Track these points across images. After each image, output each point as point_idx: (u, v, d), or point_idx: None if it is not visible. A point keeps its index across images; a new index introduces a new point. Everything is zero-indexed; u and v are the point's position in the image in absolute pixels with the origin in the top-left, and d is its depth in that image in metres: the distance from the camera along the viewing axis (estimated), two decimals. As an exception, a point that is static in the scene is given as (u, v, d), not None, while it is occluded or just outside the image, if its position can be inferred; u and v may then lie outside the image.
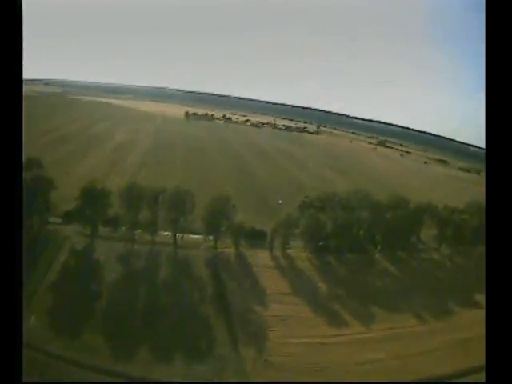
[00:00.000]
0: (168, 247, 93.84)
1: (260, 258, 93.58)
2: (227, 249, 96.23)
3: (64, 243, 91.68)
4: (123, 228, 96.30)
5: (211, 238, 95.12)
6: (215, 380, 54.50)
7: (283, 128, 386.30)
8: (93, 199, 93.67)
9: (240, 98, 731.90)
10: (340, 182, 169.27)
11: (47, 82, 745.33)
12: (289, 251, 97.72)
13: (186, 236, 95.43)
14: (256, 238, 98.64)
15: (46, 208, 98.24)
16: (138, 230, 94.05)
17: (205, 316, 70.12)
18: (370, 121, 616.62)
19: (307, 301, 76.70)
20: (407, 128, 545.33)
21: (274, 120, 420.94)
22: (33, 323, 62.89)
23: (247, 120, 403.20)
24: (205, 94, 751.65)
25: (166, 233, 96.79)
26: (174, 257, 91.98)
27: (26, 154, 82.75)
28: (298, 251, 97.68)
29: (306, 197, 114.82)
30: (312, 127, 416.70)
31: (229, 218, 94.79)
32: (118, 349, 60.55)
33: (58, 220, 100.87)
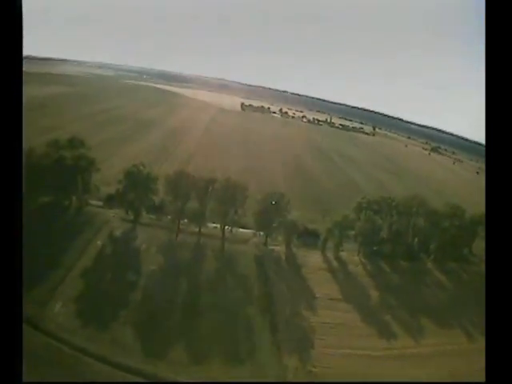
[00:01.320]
0: (215, 240, 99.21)
1: (311, 259, 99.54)
2: (277, 246, 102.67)
3: (103, 227, 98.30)
4: (169, 217, 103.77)
5: (262, 233, 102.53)
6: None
7: (340, 127, 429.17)
8: (138, 184, 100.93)
9: (297, 94, 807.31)
10: (395, 186, 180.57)
11: (99, 66, 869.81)
12: (341, 254, 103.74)
13: (235, 230, 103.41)
14: (308, 237, 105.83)
15: (87, 189, 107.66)
16: (185, 220, 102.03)
17: (248, 318, 73.07)
18: (424, 126, 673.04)
19: (357, 308, 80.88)
20: (461, 137, 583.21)
21: (331, 118, 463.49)
22: (58, 310, 67.33)
23: (304, 116, 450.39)
24: (262, 87, 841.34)
25: (214, 225, 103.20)
26: (221, 251, 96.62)
27: (70, 132, 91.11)
28: (351, 254, 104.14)
29: (362, 198, 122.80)
30: (368, 128, 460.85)
31: (282, 214, 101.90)
32: (150, 347, 62.73)
33: (99, 203, 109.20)
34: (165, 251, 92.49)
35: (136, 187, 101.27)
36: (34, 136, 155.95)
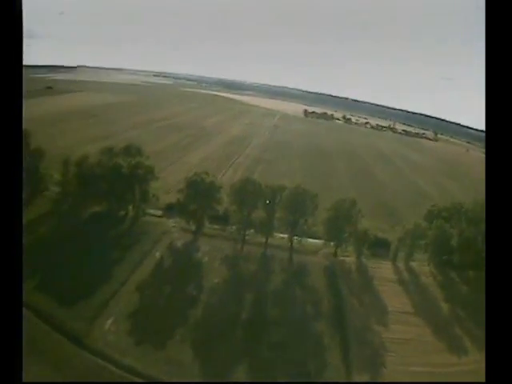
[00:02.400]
0: (282, 251, 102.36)
1: (382, 270, 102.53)
2: (348, 257, 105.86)
3: (162, 238, 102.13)
4: (233, 227, 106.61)
5: (332, 244, 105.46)
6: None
7: (403, 133, 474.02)
8: (200, 193, 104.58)
9: (358, 101, 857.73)
10: (461, 193, 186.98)
11: (156, 74, 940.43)
12: (411, 264, 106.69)
13: (304, 240, 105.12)
14: (378, 246, 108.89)
15: (145, 198, 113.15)
16: (251, 230, 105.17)
17: (316, 333, 74.95)
18: (483, 131, 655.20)
19: (429, 322, 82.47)
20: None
21: (394, 124, 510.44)
22: (108, 327, 69.61)
23: (367, 122, 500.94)
24: (323, 94, 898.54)
25: (282, 235, 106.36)
26: (289, 263, 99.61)
27: (128, 140, 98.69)
28: (421, 264, 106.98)
29: (433, 206, 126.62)
30: (430, 134, 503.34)
31: (353, 223, 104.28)
32: (210, 367, 64.02)
33: (158, 212, 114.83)
34: (229, 263, 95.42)
35: (199, 196, 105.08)
36: (88, 143, 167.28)
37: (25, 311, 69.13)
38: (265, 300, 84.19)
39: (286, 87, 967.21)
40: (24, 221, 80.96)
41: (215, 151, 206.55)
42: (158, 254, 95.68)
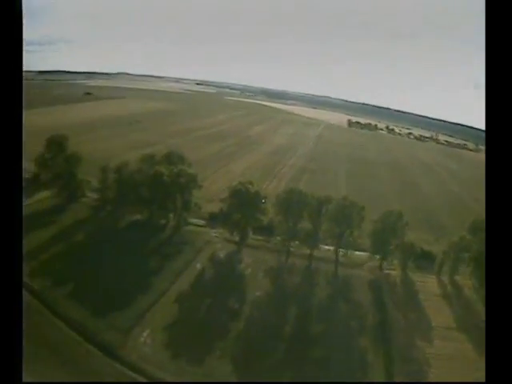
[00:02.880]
0: (327, 264, 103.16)
1: (427, 284, 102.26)
2: (393, 270, 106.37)
3: (204, 248, 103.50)
4: (278, 238, 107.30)
5: (377, 256, 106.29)
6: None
7: (445, 143, 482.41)
8: (245, 203, 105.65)
9: (400, 111, 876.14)
10: None
11: (199, 82, 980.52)
12: (456, 277, 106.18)
13: (349, 252, 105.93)
14: (423, 259, 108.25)
15: (187, 207, 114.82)
16: (296, 242, 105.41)
17: (361, 349, 75.07)
18: None
19: (472, 338, 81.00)
20: None
21: (436, 135, 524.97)
22: (144, 339, 70.05)
23: (410, 133, 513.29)
24: (366, 104, 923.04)
25: (327, 247, 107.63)
26: (334, 276, 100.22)
27: (170, 147, 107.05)
28: (464, 278, 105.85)
29: (476, 218, 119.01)
30: (471, 145, 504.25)
31: (399, 236, 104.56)
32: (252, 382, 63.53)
33: (200, 221, 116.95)
34: (272, 276, 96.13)
35: (243, 206, 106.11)
36: (129, 150, 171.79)
37: (56, 320, 71.39)
38: (308, 314, 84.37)
39: (328, 97, 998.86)
40: (60, 226, 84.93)
41: (259, 160, 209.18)
42: (199, 265, 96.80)
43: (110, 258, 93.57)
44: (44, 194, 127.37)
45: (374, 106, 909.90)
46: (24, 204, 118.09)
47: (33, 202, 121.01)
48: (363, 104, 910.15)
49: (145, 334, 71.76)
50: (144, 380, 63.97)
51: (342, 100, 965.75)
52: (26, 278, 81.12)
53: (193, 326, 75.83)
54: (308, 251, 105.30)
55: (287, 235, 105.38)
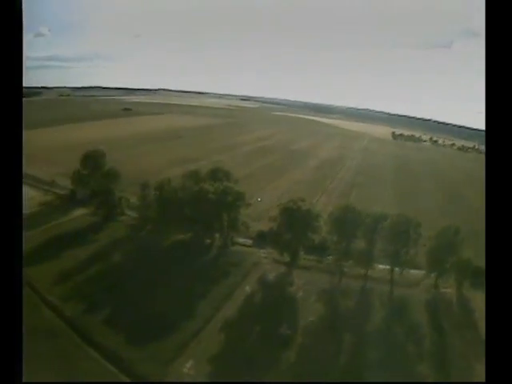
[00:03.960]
0: (382, 284, 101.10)
1: (480, 302, 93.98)
2: (449, 289, 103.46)
3: (252, 270, 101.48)
4: (330, 258, 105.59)
5: (432, 275, 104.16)
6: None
7: None
8: (296, 221, 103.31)
9: (442, 123, 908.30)
10: None
11: (243, 98, 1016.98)
12: None
13: (404, 271, 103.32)
14: (476, 277, 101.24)
15: (234, 226, 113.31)
16: (349, 262, 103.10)
17: (419, 377, 72.28)
18: None
19: None
20: None
21: (478, 146, 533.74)
22: (187, 371, 67.69)
23: (453, 144, 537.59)
24: (407, 116, 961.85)
25: (382, 266, 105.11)
26: (389, 297, 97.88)
27: (214, 163, 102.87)
28: None
29: None
30: None
31: (456, 252, 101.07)
32: None
33: (248, 241, 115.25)
34: (326, 299, 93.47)
35: (294, 225, 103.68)
36: (171, 166, 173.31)
37: (89, 349, 69.85)
38: (364, 340, 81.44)
39: (370, 110, 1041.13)
40: (97, 246, 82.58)
41: (307, 175, 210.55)
42: (247, 288, 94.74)
43: (150, 281, 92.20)
44: (80, 212, 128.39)
45: (416, 117, 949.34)
46: (59, 221, 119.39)
47: (68, 219, 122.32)
48: (403, 116, 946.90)
49: (188, 366, 69.12)
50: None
51: (384, 112, 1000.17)
52: (58, 302, 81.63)
53: (240, 356, 72.92)
54: (362, 271, 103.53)
55: (340, 255, 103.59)
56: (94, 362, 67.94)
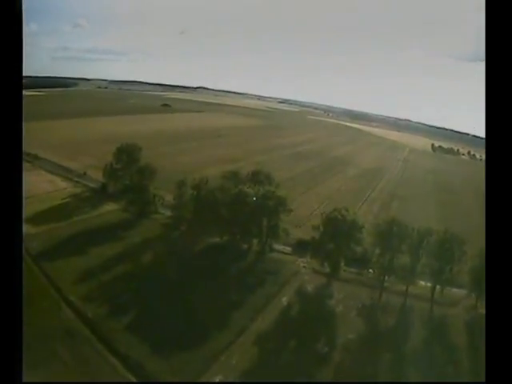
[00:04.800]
0: (422, 302, 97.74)
1: None
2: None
3: (290, 280, 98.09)
4: (370, 271, 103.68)
5: (473, 294, 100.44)
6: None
7: None
8: (339, 231, 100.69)
9: (478, 137, 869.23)
10: None
11: (281, 101, 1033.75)
12: None
13: (445, 289, 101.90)
14: None
15: (274, 233, 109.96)
16: (391, 277, 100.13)
17: None
18: None
19: None
20: None
21: None
22: None
23: None
24: (444, 128, 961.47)
25: (423, 283, 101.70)
26: (429, 315, 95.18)
27: (255, 165, 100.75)
28: None
29: None
30: None
31: None
32: None
33: (287, 249, 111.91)
34: (365, 315, 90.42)
35: (337, 235, 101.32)
36: (209, 166, 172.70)
37: (110, 357, 67.30)
38: (403, 360, 78.20)
39: (409, 120, 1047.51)
40: (126, 245, 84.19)
41: (347, 183, 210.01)
42: (284, 300, 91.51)
43: (181, 285, 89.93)
44: (111, 207, 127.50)
45: (453, 130, 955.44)
46: (87, 216, 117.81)
47: (98, 214, 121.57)
48: (440, 128, 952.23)
49: (216, 381, 66.52)
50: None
51: (423, 124, 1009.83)
52: (79, 302, 79.27)
53: (274, 372, 70.06)
54: (403, 287, 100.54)
55: (382, 268, 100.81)
56: (114, 372, 65.24)
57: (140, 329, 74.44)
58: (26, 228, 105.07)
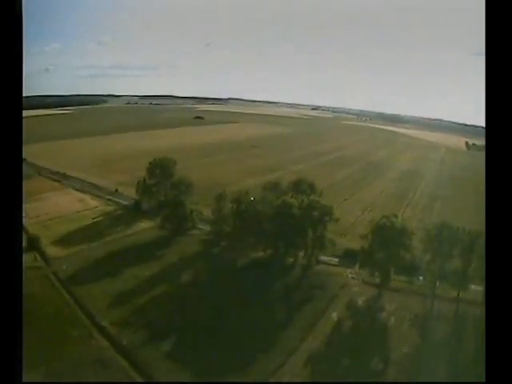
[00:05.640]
0: (474, 307, 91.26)
1: None
2: None
3: (339, 294, 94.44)
4: (420, 278, 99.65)
5: None
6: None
7: None
8: (389, 239, 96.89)
9: None
10: None
11: (314, 107, 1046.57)
12: None
13: None
14: None
15: (320, 244, 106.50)
16: (442, 283, 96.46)
17: None
18: None
19: None
20: None
21: None
22: None
23: None
24: (476, 126, 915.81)
25: (474, 287, 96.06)
26: (480, 322, 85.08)
27: (294, 174, 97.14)
28: None
29: None
30: None
31: None
32: None
33: (333, 260, 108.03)
34: (419, 326, 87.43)
35: (387, 243, 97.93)
36: (248, 177, 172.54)
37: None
38: (461, 373, 74.04)
39: (441, 120, 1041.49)
40: (163, 264, 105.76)
41: (388, 187, 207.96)
42: (334, 315, 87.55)
43: (224, 305, 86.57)
44: (145, 225, 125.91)
45: (482, 127, 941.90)
46: (121, 234, 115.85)
47: (132, 232, 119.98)
48: (473, 126, 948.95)
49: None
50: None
51: (453, 122, 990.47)
52: (113, 329, 76.73)
53: None
54: (454, 293, 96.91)
55: (434, 275, 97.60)
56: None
57: (181, 356, 71.50)
58: (54, 250, 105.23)
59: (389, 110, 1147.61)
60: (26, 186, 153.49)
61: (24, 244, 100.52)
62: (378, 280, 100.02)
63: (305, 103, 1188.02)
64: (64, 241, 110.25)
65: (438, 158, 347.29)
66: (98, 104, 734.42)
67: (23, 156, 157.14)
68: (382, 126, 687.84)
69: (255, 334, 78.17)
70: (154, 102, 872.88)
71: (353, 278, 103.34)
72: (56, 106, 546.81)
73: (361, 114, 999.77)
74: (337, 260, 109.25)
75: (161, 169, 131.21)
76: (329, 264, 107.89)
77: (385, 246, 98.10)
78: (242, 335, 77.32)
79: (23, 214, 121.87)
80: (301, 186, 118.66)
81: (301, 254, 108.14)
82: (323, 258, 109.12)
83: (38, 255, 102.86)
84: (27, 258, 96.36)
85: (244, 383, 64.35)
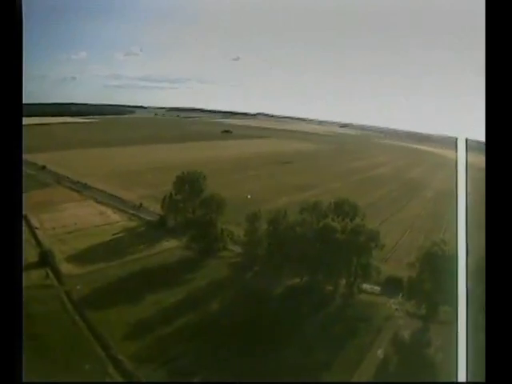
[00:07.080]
0: None
1: None
2: None
3: (384, 327, 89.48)
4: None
5: None
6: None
7: None
8: (438, 268, 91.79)
9: None
10: None
11: (342, 125, 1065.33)
12: None
13: None
14: None
15: (364, 272, 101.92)
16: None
17: None
18: None
19: None
20: None
21: None
22: None
23: None
24: None
25: None
26: None
27: (331, 193, 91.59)
28: None
29: None
30: None
31: None
32: None
33: (376, 288, 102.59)
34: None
35: (437, 272, 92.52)
36: (282, 195, 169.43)
37: None
38: None
39: (470, 139, 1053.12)
40: (189, 289, 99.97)
41: (426, 207, 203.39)
42: (380, 352, 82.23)
43: (257, 339, 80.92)
44: (170, 244, 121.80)
45: None
46: (143, 254, 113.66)
47: (156, 252, 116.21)
48: None
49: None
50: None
51: (480, 142, 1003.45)
52: (131, 364, 71.73)
53: None
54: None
55: (480, 304, 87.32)
56: None
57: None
58: (69, 268, 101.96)
59: (417, 128, 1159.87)
60: (43, 195, 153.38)
61: (36, 259, 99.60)
62: (423, 311, 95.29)
63: (333, 120, 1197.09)
64: (80, 257, 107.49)
65: (470, 177, 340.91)
66: (124, 114, 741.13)
67: (42, 164, 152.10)
68: (411, 145, 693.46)
69: (293, 372, 73.26)
70: (181, 115, 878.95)
71: (396, 309, 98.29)
72: (82, 115, 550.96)
73: (389, 133, 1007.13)
74: (379, 288, 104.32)
75: (189, 183, 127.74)
76: (370, 293, 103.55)
77: (434, 276, 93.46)
78: (278, 374, 72.44)
79: (37, 225, 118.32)
80: (343, 208, 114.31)
81: (342, 281, 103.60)
82: (365, 286, 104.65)
83: (50, 272, 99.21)
84: (38, 275, 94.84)
85: (245, 383, 63.89)
